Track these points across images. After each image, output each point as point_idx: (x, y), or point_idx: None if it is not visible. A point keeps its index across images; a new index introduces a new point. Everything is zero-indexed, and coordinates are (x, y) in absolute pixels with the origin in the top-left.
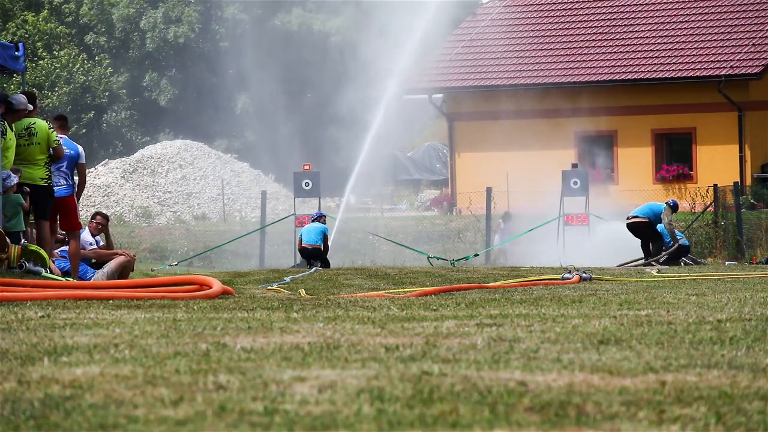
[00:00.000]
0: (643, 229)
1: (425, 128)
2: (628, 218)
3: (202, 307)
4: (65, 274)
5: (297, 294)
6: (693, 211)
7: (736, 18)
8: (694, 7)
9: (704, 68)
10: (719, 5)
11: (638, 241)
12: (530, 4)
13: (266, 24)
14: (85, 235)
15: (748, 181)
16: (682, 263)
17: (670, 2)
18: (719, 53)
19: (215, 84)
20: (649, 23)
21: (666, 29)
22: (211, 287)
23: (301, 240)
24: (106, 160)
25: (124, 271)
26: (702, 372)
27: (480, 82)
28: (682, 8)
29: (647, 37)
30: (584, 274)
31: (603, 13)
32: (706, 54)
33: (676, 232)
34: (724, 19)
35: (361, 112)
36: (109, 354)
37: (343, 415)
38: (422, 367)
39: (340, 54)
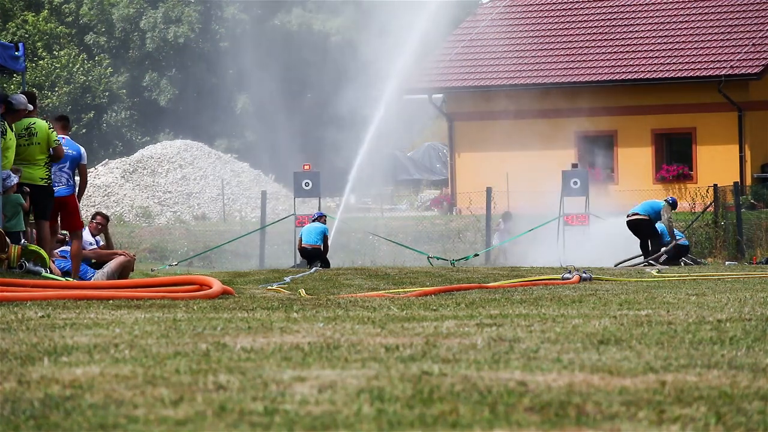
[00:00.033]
0: (644, 226)
1: (425, 128)
2: (628, 216)
3: (202, 307)
4: (65, 274)
5: (297, 294)
6: (693, 211)
7: (736, 18)
8: (694, 7)
9: (704, 68)
10: (719, 5)
11: (637, 240)
12: (530, 4)
13: (266, 24)
14: (85, 235)
15: (748, 181)
16: (682, 263)
17: (670, 2)
18: (719, 53)
19: (215, 84)
20: (649, 23)
21: (666, 29)
22: (211, 287)
23: (301, 240)
24: (106, 160)
25: (124, 271)
26: (702, 372)
27: (480, 82)
28: (682, 8)
29: (647, 37)
30: (584, 274)
31: (603, 13)
32: (706, 54)
33: (676, 231)
34: (724, 19)
35: (361, 112)
36: (109, 354)
37: (343, 415)
38: (422, 367)
39: (340, 54)
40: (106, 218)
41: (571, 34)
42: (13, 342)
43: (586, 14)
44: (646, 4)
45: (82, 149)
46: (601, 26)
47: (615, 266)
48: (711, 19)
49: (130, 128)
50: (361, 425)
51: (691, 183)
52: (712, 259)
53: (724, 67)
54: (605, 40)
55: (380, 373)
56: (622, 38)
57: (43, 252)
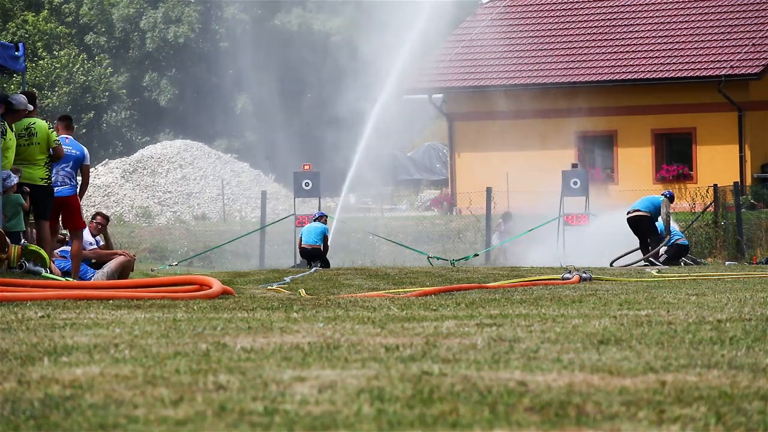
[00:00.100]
0: (645, 223)
1: (425, 128)
2: (628, 213)
3: (202, 307)
4: (65, 274)
5: (297, 294)
6: (693, 211)
7: (736, 18)
8: (694, 7)
9: (704, 68)
10: (719, 5)
11: (636, 238)
12: (530, 4)
13: (266, 24)
14: (85, 235)
15: (748, 181)
16: (682, 263)
17: (670, 2)
18: (719, 53)
19: (215, 84)
20: (649, 23)
21: (666, 29)
22: (211, 287)
23: (301, 240)
24: (106, 160)
25: (124, 271)
26: (702, 372)
27: (480, 82)
28: (682, 8)
29: (647, 37)
30: (584, 274)
31: (603, 13)
32: (706, 54)
33: (677, 231)
34: (724, 19)
35: (361, 112)
36: (109, 354)
37: (343, 415)
38: (422, 367)
39: (340, 54)
40: (107, 218)
41: (571, 34)
42: (13, 342)
43: (586, 14)
44: (646, 4)
45: (86, 150)
46: (601, 26)
47: (611, 264)
48: (711, 19)
49: (130, 128)
50: (361, 425)
51: (691, 183)
52: (712, 259)
53: (724, 67)
54: (605, 40)
55: (380, 373)
56: (622, 38)
57: (43, 252)
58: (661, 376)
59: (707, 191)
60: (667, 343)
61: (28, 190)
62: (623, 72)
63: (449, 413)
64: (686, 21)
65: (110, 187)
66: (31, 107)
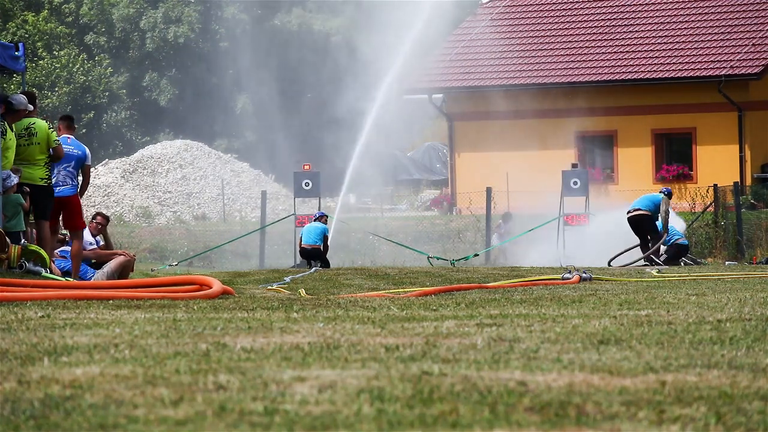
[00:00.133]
0: (645, 222)
1: (425, 128)
2: (629, 212)
3: (202, 307)
4: (65, 274)
5: (297, 294)
6: (693, 211)
7: (736, 18)
8: (694, 7)
9: (704, 68)
10: (719, 5)
11: (635, 238)
12: (530, 4)
13: (266, 24)
14: (85, 235)
15: (748, 181)
16: (682, 263)
17: (670, 2)
18: (719, 53)
19: (215, 84)
20: (649, 23)
21: (666, 29)
22: (211, 287)
23: (301, 240)
24: (106, 160)
25: (124, 271)
26: (702, 372)
27: (480, 82)
28: (682, 8)
29: (647, 37)
30: (584, 274)
31: (603, 13)
32: (706, 54)
33: (676, 230)
34: (724, 19)
35: (361, 112)
36: (109, 354)
37: (343, 415)
38: (422, 367)
39: (340, 54)
40: (107, 218)
41: (571, 34)
42: (13, 342)
43: (586, 14)
44: (646, 4)
45: (88, 150)
46: (601, 26)
47: (609, 262)
48: (711, 19)
49: (130, 128)
50: (361, 425)
51: (691, 183)
52: (712, 259)
53: (724, 67)
54: (605, 40)
55: (380, 373)
56: (622, 38)
57: (43, 252)
58: (661, 376)
59: (707, 191)
60: (667, 343)
61: (28, 190)
62: (623, 72)
63: (449, 413)
64: (686, 21)
65: (110, 187)
66: (31, 107)
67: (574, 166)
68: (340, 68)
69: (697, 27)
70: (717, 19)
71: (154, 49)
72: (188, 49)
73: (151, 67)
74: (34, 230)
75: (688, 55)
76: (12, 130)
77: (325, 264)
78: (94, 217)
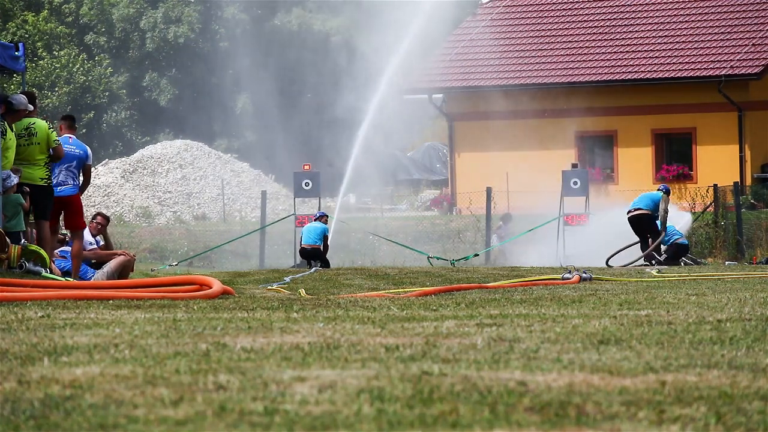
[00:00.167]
0: (646, 221)
1: (425, 128)
2: (629, 211)
3: (202, 307)
4: (65, 274)
5: (297, 294)
6: (693, 211)
7: (736, 18)
8: (694, 7)
9: (704, 68)
10: (719, 5)
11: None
12: (530, 4)
13: (266, 24)
14: (85, 236)
15: (748, 181)
16: (682, 263)
17: (670, 2)
18: (719, 53)
19: (215, 84)
20: (649, 23)
21: (666, 29)
22: (211, 287)
23: (302, 240)
24: (106, 160)
25: (124, 270)
26: (702, 372)
27: (480, 82)
28: (682, 8)
29: (647, 37)
30: (584, 274)
31: (603, 13)
32: (706, 54)
33: (676, 230)
34: (724, 19)
35: (361, 111)
36: (109, 354)
37: (343, 415)
38: (422, 367)
39: (340, 54)
40: (107, 219)
41: (571, 34)
42: (13, 342)
43: (586, 14)
44: (646, 4)
45: (89, 150)
46: (601, 26)
47: (607, 261)
48: (711, 19)
49: (130, 128)
50: (361, 425)
51: (691, 183)
52: (712, 259)
53: (724, 67)
54: (605, 40)
55: (380, 373)
56: (622, 38)
57: (43, 252)
58: (661, 376)
59: (707, 191)
60: (667, 343)
61: (28, 190)
62: (623, 72)
63: (449, 413)
64: (686, 21)
65: (110, 187)
66: (31, 107)
67: (574, 166)
68: (340, 68)
69: (697, 27)
70: (717, 19)
71: (154, 49)
72: (188, 49)
73: (151, 67)
74: (34, 230)
75: (688, 55)
76: (12, 130)
77: (325, 264)
78: (94, 217)
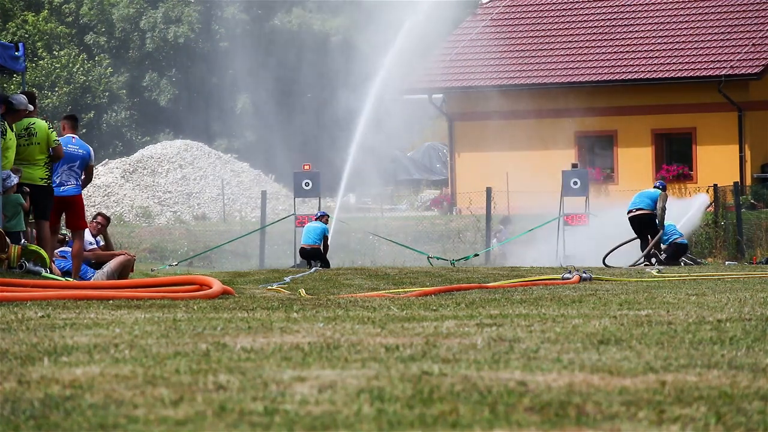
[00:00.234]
0: (647, 221)
1: (425, 128)
2: (629, 211)
3: (202, 307)
4: (65, 274)
5: (297, 294)
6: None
7: (736, 18)
8: (694, 7)
9: (704, 68)
10: (719, 5)
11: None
12: (530, 4)
13: (266, 24)
14: (86, 235)
15: (748, 181)
16: (681, 263)
17: (670, 2)
18: (719, 53)
19: (215, 84)
20: (649, 23)
21: (666, 29)
22: (211, 287)
23: (302, 239)
24: (106, 160)
25: (124, 270)
26: (702, 372)
27: (480, 82)
28: (682, 8)
29: (647, 37)
30: (584, 274)
31: (603, 13)
32: (706, 54)
33: (676, 229)
34: (724, 19)
35: (361, 111)
36: (109, 354)
37: (343, 415)
38: (422, 367)
39: (340, 54)
40: (107, 219)
41: (571, 34)
42: (13, 342)
43: (586, 14)
44: (646, 4)
45: (92, 150)
46: (601, 26)
47: (603, 260)
48: (711, 19)
49: (130, 128)
50: (361, 425)
51: (691, 183)
52: (712, 259)
53: (724, 67)
54: (605, 40)
55: (380, 373)
56: (622, 38)
57: (43, 252)
58: (661, 376)
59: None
60: (667, 343)
61: (28, 190)
62: (623, 72)
63: (449, 413)
64: (686, 21)
65: (110, 187)
66: (31, 107)
67: (574, 166)
68: (340, 68)
69: (697, 27)
70: (717, 19)
71: (154, 49)
72: (188, 49)
73: (151, 67)
74: (34, 230)
75: (688, 55)
76: (12, 130)
77: (325, 264)
78: (94, 218)
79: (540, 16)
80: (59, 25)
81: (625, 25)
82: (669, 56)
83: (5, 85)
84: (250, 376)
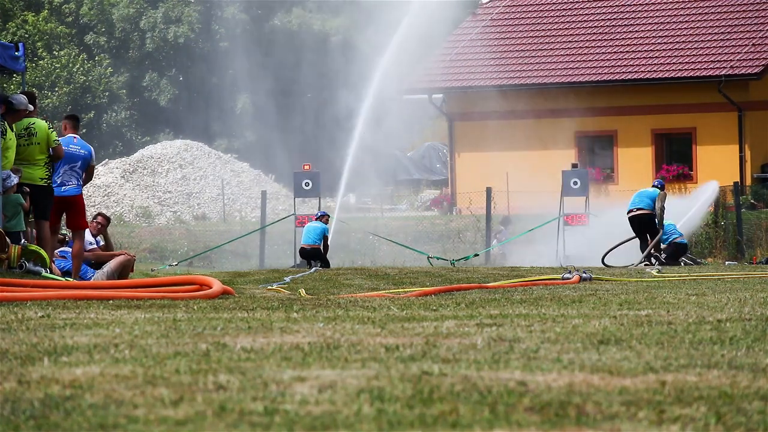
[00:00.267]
0: (647, 220)
1: (425, 128)
2: (629, 211)
3: (202, 307)
4: (65, 274)
5: (297, 294)
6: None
7: (736, 18)
8: (694, 7)
9: (704, 68)
10: (719, 5)
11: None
12: (530, 4)
13: (266, 24)
14: (86, 235)
15: (748, 181)
16: (681, 263)
17: (670, 2)
18: (719, 53)
19: (215, 84)
20: (649, 23)
21: (666, 29)
22: (211, 287)
23: (302, 239)
24: (106, 160)
25: (124, 270)
26: (702, 372)
27: (480, 82)
28: (682, 8)
29: (647, 37)
30: (584, 274)
31: (603, 13)
32: (706, 54)
33: (675, 229)
34: (724, 19)
35: (360, 111)
36: (109, 354)
37: (343, 415)
38: (422, 367)
39: (340, 54)
40: (108, 219)
41: (571, 34)
42: (13, 342)
43: (586, 14)
44: (646, 4)
45: (93, 150)
46: (601, 26)
47: (602, 260)
48: (711, 19)
49: (130, 128)
50: (361, 425)
51: (691, 183)
52: (712, 259)
53: (724, 67)
54: (605, 40)
55: (380, 373)
56: (622, 38)
57: (43, 252)
58: (661, 376)
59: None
60: (667, 343)
61: (28, 190)
62: (623, 72)
63: (449, 413)
64: (686, 21)
65: (110, 187)
66: (31, 107)
67: (574, 166)
68: (340, 68)
69: (697, 27)
70: (717, 19)
71: (154, 49)
72: (188, 49)
73: (151, 67)
74: (34, 230)
75: (688, 55)
76: (12, 130)
77: (325, 264)
78: (94, 218)
79: (540, 16)
80: (59, 25)
81: (625, 25)
82: (669, 56)
83: (5, 85)
84: (250, 376)
